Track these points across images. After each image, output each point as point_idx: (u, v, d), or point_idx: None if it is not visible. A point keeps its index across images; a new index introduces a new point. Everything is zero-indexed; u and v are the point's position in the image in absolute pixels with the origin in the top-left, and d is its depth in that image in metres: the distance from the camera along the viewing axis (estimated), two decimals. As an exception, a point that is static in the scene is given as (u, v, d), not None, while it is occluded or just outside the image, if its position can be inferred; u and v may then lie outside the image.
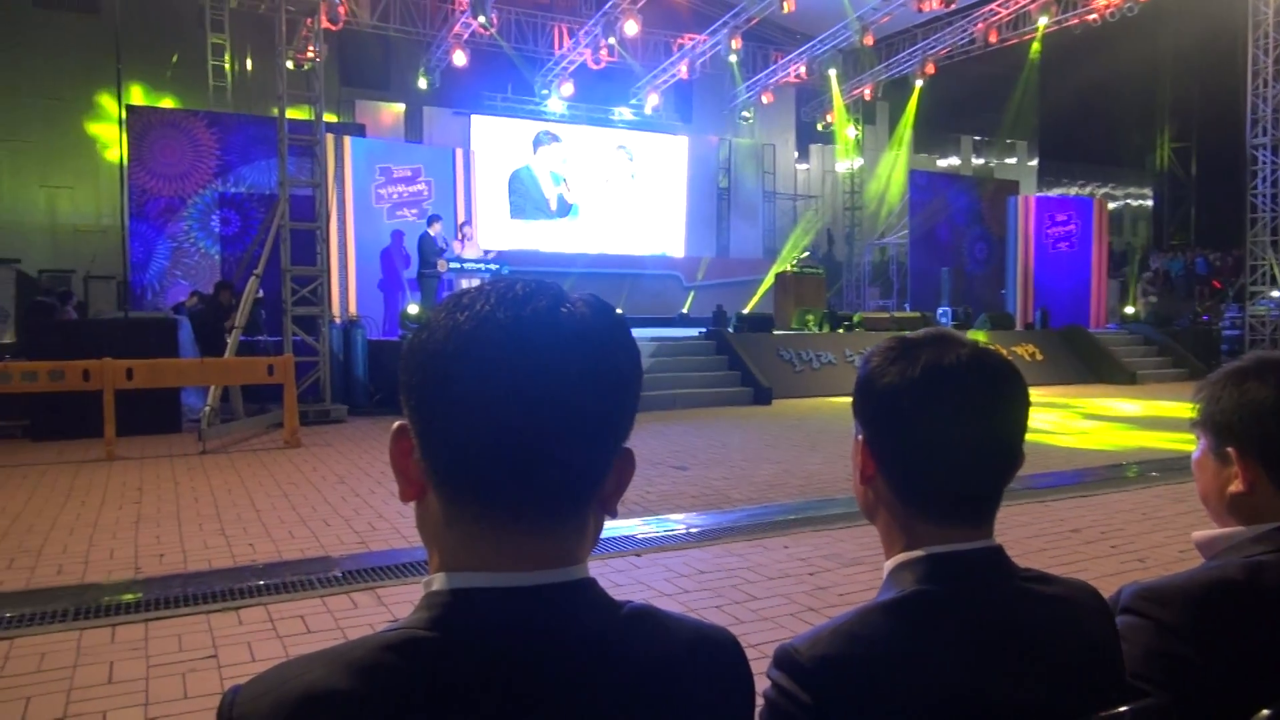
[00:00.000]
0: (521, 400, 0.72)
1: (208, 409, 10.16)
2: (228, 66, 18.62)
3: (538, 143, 20.84)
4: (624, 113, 22.46)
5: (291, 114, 12.48)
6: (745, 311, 17.37)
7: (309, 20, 13.90)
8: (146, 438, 10.27)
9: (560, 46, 20.79)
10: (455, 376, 0.73)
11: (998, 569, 1.05)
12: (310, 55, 13.45)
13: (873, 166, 26.83)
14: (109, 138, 18.16)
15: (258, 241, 13.13)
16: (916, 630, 0.98)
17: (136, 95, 17.56)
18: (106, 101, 17.98)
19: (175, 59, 18.16)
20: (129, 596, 4.58)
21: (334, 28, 17.38)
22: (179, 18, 18.24)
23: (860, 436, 1.11)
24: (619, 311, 0.80)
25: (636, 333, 0.80)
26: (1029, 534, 5.45)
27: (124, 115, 13.39)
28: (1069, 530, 5.66)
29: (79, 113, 18.51)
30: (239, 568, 5.09)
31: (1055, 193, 30.06)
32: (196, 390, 11.95)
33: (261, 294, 12.39)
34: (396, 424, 0.78)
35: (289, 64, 14.26)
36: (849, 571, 4.88)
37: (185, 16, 18.10)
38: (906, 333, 1.12)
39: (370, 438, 10.49)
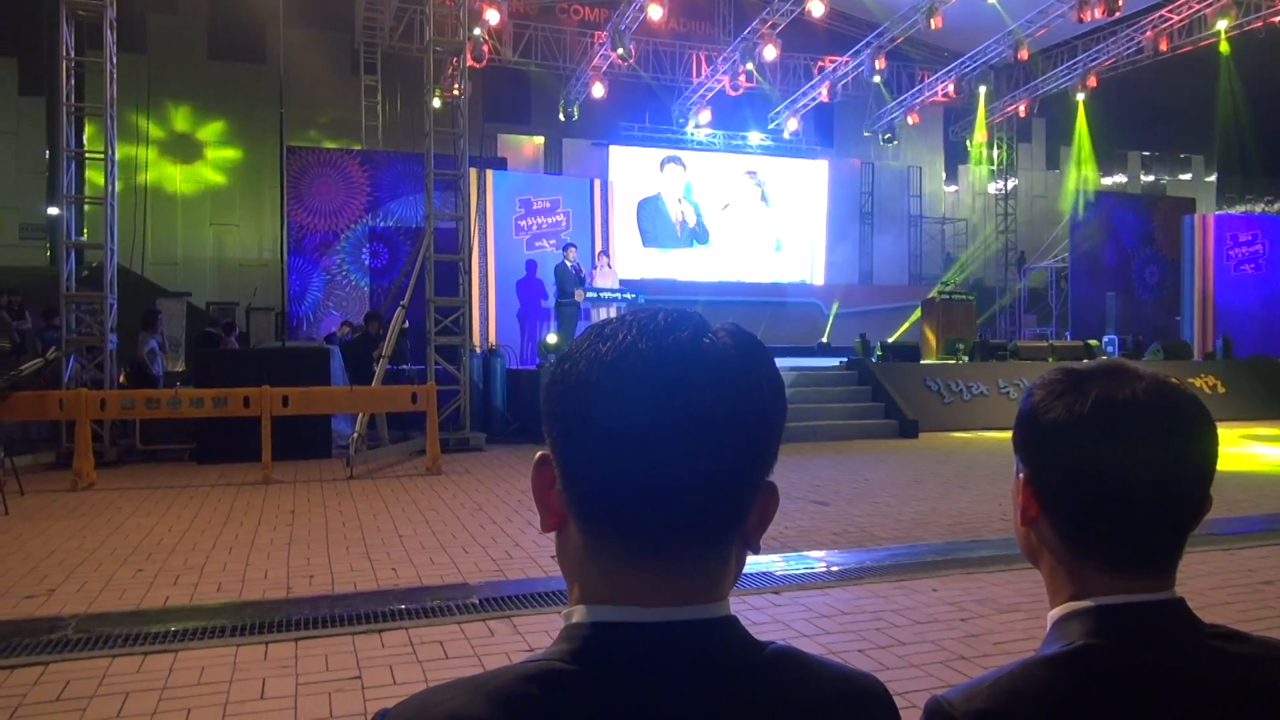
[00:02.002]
0: (664, 433, 0.72)
1: (355, 435, 10.57)
2: (379, 107, 19.83)
3: (664, 165, 21.15)
4: (760, 138, 22.47)
5: (437, 150, 13.06)
6: (890, 340, 16.94)
7: (455, 59, 14.56)
8: (299, 462, 10.83)
9: (698, 74, 21.06)
10: (597, 408, 0.73)
11: (1179, 624, 0.97)
12: (456, 93, 14.07)
13: (1029, 186, 25.80)
14: (271, 178, 19.54)
15: (404, 273, 13.67)
16: (1085, 689, 0.91)
17: (297, 137, 18.85)
18: (269, 144, 19.39)
19: (331, 113, 19.42)
20: (281, 615, 4.83)
21: (478, 65, 18.18)
22: (335, 63, 19.53)
23: (1022, 474, 1.05)
24: (759, 342, 0.79)
25: (775, 363, 0.79)
26: (1213, 585, 5.14)
27: (284, 155, 14.31)
28: (1259, 582, 5.29)
29: (246, 155, 20.06)
30: (382, 591, 5.26)
31: (1238, 210, 28.03)
32: (346, 417, 12.49)
33: (407, 324, 12.88)
34: (539, 454, 0.79)
35: (435, 102, 15.00)
36: (1004, 618, 4.67)
37: (341, 61, 19.36)
38: (1073, 363, 1.06)
39: (508, 466, 10.74)
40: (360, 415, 11.03)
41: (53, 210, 18.74)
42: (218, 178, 20.00)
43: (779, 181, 22.39)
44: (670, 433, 0.72)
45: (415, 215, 15.67)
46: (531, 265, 16.35)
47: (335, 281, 16.00)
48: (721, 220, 21.63)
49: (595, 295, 14.26)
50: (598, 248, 16.38)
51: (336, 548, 6.46)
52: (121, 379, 12.35)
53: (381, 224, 16.04)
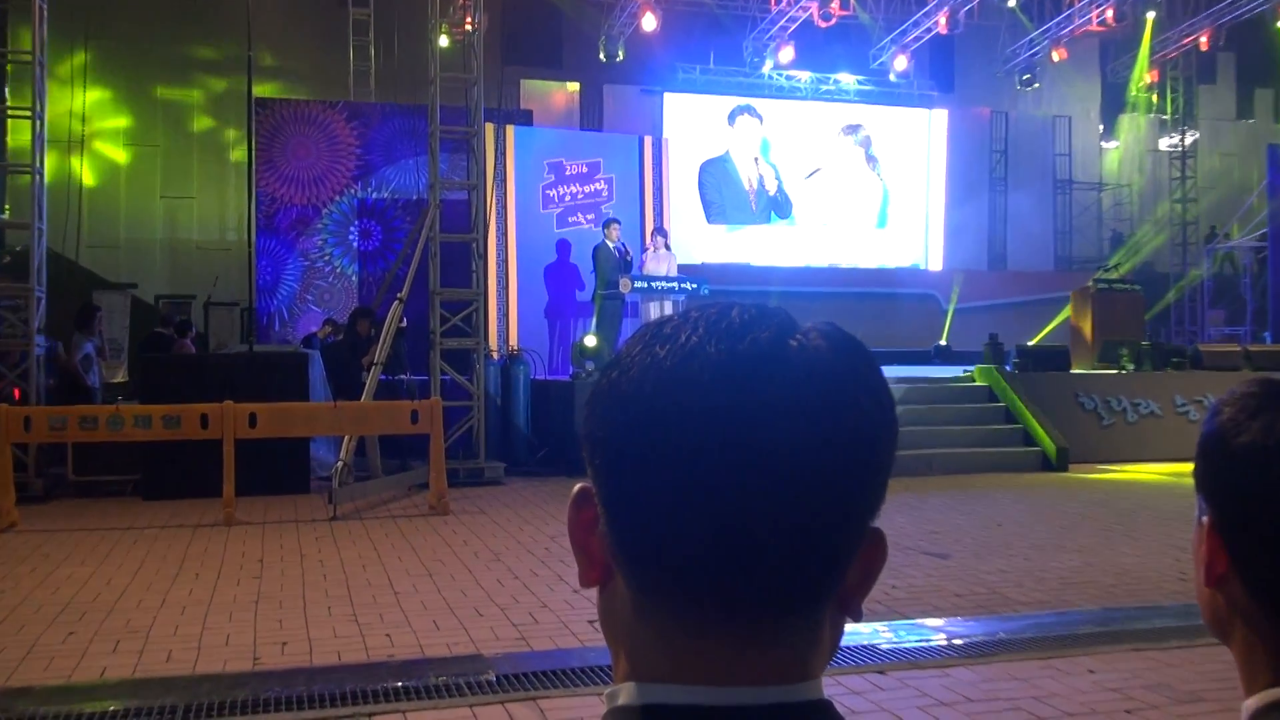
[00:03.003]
0: (740, 462, 0.72)
1: (340, 465, 10.69)
2: (371, 48, 20.02)
3: (734, 117, 21.06)
4: (859, 82, 22.35)
5: (444, 101, 13.20)
6: (1031, 343, 16.74)
7: (466, -16, 14.77)
8: (270, 498, 10.94)
9: (778, 1, 21.00)
10: (653, 429, 0.74)
11: None
12: (468, 28, 14.21)
13: (1212, 141, 25.34)
14: (236, 139, 19.91)
15: (402, 258, 13.98)
16: None
17: (267, 86, 19.08)
18: (234, 97, 19.69)
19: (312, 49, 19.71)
20: (246, 693, 4.89)
21: (496, -8, 18.38)
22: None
23: (1205, 519, 1.04)
24: (862, 345, 0.79)
25: (883, 372, 0.79)
26: None
27: (252, 110, 14.52)
28: None
29: (205, 111, 20.42)
30: (373, 664, 5.35)
31: None
32: (327, 441, 12.70)
33: (405, 323, 13.12)
34: (577, 488, 0.80)
35: (442, 40, 15.18)
36: (1185, 710, 4.64)
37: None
38: (1273, 374, 1.06)
39: (533, 505, 10.79)
40: (347, 439, 11.12)
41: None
42: (171, 140, 20.37)
43: (883, 137, 22.27)
44: (747, 462, 0.72)
45: (417, 184, 15.86)
46: (564, 247, 16.45)
47: (316, 269, 16.24)
48: (809, 189, 21.55)
49: (646, 285, 14.28)
50: (649, 224, 16.42)
51: (316, 607, 6.52)
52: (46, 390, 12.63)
53: (374, 196, 16.28)
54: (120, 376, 15.92)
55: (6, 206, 14.72)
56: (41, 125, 12.66)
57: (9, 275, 13.39)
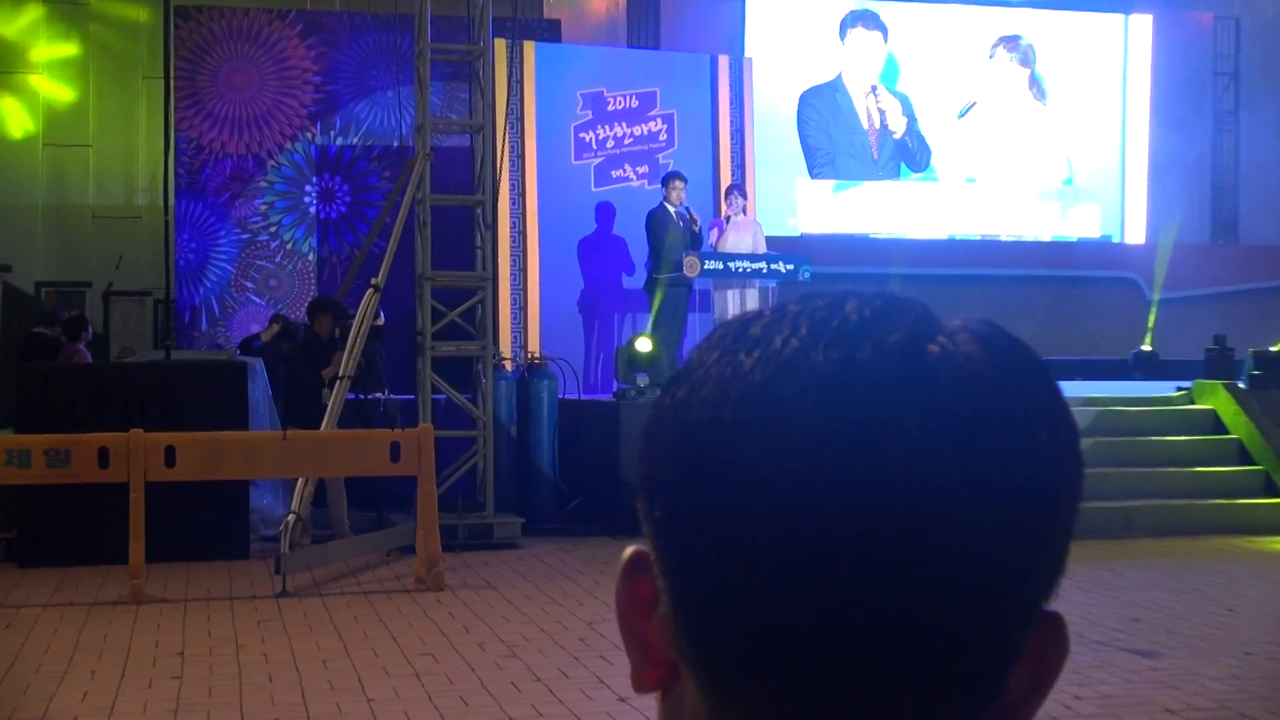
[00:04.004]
0: (860, 518, 0.72)
1: (292, 518, 10.69)
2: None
3: (846, 29, 20.95)
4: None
5: (436, 9, 13.25)
6: (1275, 349, 16.45)
7: None
8: (194, 565, 10.99)
9: None
10: (737, 471, 0.74)
11: None
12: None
13: None
14: (149, 63, 19.82)
15: (378, 229, 14.01)
16: None
17: None
18: (145, 3, 19.85)
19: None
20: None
21: None
22: None
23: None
24: (1032, 353, 0.80)
25: (1061, 389, 0.80)
26: None
27: (170, 19, 14.56)
28: None
29: (106, 24, 20.55)
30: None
31: None
32: (274, 486, 12.84)
33: (383, 320, 13.16)
34: (629, 553, 0.82)
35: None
36: None
37: None
38: None
39: (562, 577, 10.79)
40: (301, 483, 11.13)
41: None
42: (57, 67, 20.50)
43: (1057, 56, 22.03)
44: (871, 519, 0.72)
45: (399, 126, 15.86)
46: (606, 212, 16.41)
47: (259, 245, 16.35)
48: (958, 131, 21.43)
49: (722, 267, 14.23)
50: (725, 179, 16.31)
51: (256, 720, 6.57)
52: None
53: (339, 142, 16.40)
54: None
55: None
56: None
57: None
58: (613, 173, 16.64)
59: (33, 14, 20.32)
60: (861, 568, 0.72)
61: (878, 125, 21.00)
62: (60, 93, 20.63)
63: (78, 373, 13.33)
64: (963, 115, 21.46)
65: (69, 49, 20.60)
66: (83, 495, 10.71)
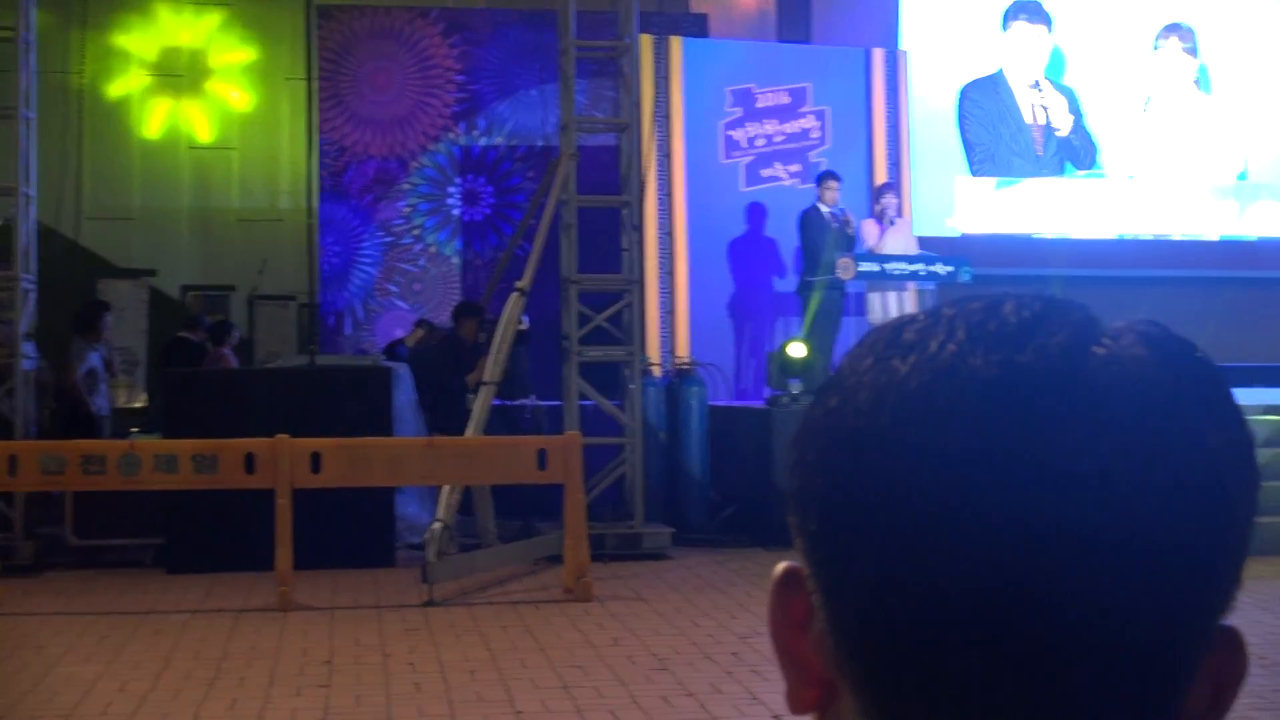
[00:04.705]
0: (1024, 530, 0.73)
1: (438, 526, 10.67)
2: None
3: (1009, 19, 20.55)
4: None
5: (581, 5, 13.30)
6: None
7: None
8: (340, 573, 11.19)
9: None
10: (896, 479, 0.75)
11: None
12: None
13: None
14: (291, 65, 19.82)
15: (522, 231, 14.15)
16: None
17: None
18: (287, 6, 19.79)
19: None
20: None
21: None
22: None
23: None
24: (1203, 357, 0.80)
25: (1240, 396, 0.79)
26: None
27: (313, 19, 14.45)
28: None
29: (250, 28, 20.54)
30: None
31: None
32: (420, 493, 12.94)
33: (528, 324, 13.24)
34: (781, 568, 0.82)
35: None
36: None
37: None
38: None
39: (714, 589, 10.89)
40: (447, 490, 11.13)
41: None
42: (198, 67, 20.66)
43: (1229, 45, 21.39)
44: (1036, 530, 0.73)
45: (541, 125, 15.97)
46: (757, 213, 16.26)
47: (402, 248, 16.44)
48: (1125, 126, 20.85)
49: (878, 268, 14.01)
50: (879, 178, 16.19)
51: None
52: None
53: (483, 142, 16.45)
54: (140, 400, 16.78)
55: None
56: (29, 50, 13.14)
57: None
58: (762, 171, 16.53)
59: (215, 19, 20.67)
60: (1029, 579, 0.73)
61: (1042, 121, 20.72)
62: (205, 93, 20.74)
63: (223, 378, 13.70)
64: (1147, 108, 21.28)
65: (246, 54, 20.78)
66: (229, 501, 10.97)
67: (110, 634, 9.08)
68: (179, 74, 20.66)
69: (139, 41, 20.64)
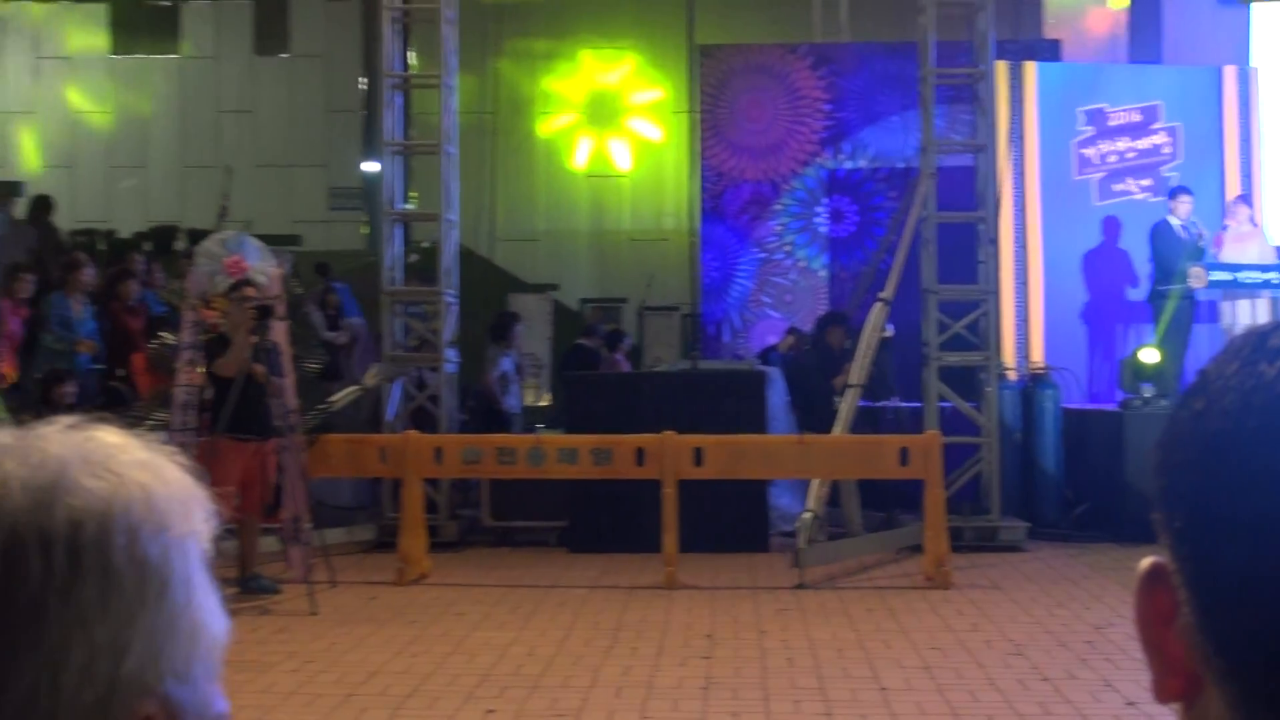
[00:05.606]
0: None
1: (809, 515, 10.90)
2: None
3: None
4: None
5: (941, 36, 13.19)
6: None
7: None
8: (719, 557, 11.36)
9: None
10: (1263, 478, 0.70)
11: None
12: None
13: None
14: (675, 98, 20.76)
15: (885, 246, 14.17)
16: None
17: (709, 31, 19.26)
18: (671, 45, 20.47)
19: None
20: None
21: None
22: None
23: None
24: None
25: None
26: None
27: (695, 60, 14.98)
28: None
29: (633, 62, 21.50)
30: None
31: None
32: (791, 486, 13.04)
33: (891, 331, 13.18)
34: (1147, 564, 0.78)
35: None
36: None
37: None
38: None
39: (1068, 581, 10.64)
40: (815, 483, 11.34)
41: (369, 166, 21.25)
42: (595, 104, 21.57)
43: None
44: None
45: (904, 148, 15.95)
46: (1111, 226, 15.89)
47: (774, 263, 16.63)
48: None
49: (1230, 277, 13.59)
50: (1231, 190, 15.60)
51: (779, 701, 6.80)
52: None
53: (848, 165, 16.49)
54: (544, 399, 17.34)
55: (412, 194, 16.15)
56: (450, 94, 13.77)
57: (416, 277, 14.66)
58: (1114, 186, 16.09)
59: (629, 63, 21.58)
60: None
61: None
62: (600, 126, 21.69)
63: (617, 380, 14.12)
64: None
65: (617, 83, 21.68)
66: (622, 490, 11.36)
67: (520, 605, 9.48)
68: (602, 111, 21.67)
69: (562, 84, 21.73)
